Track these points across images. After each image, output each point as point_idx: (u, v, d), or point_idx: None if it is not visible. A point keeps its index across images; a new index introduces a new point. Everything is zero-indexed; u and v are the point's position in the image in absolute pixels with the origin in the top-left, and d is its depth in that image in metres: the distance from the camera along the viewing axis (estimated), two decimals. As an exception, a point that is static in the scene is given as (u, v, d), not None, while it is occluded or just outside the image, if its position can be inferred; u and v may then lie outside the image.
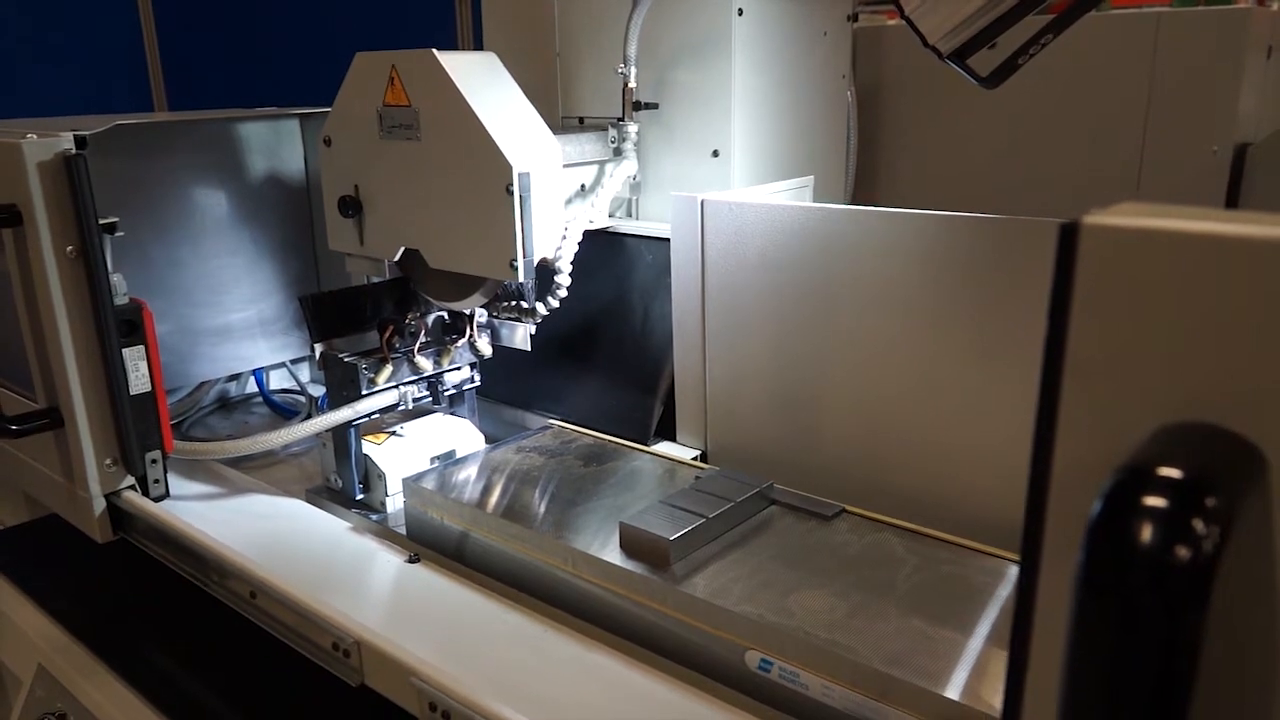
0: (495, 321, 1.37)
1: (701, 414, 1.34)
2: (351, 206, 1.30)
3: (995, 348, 1.06)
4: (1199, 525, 0.37)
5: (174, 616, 1.36)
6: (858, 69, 1.64)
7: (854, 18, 1.57)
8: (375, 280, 1.37)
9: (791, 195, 1.41)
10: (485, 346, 1.37)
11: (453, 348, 1.35)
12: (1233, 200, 1.49)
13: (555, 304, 1.27)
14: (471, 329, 1.35)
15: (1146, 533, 0.38)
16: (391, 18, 2.90)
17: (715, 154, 1.38)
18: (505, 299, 1.30)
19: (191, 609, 1.29)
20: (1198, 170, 1.48)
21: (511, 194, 1.14)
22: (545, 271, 1.24)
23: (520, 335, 1.35)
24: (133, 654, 1.28)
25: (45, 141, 1.16)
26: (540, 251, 1.20)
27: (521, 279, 1.18)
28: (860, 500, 1.10)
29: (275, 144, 1.66)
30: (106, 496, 1.28)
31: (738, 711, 0.90)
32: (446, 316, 1.37)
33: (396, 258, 1.29)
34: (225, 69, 3.29)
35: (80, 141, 1.17)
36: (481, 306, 1.32)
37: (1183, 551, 0.37)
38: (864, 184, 1.71)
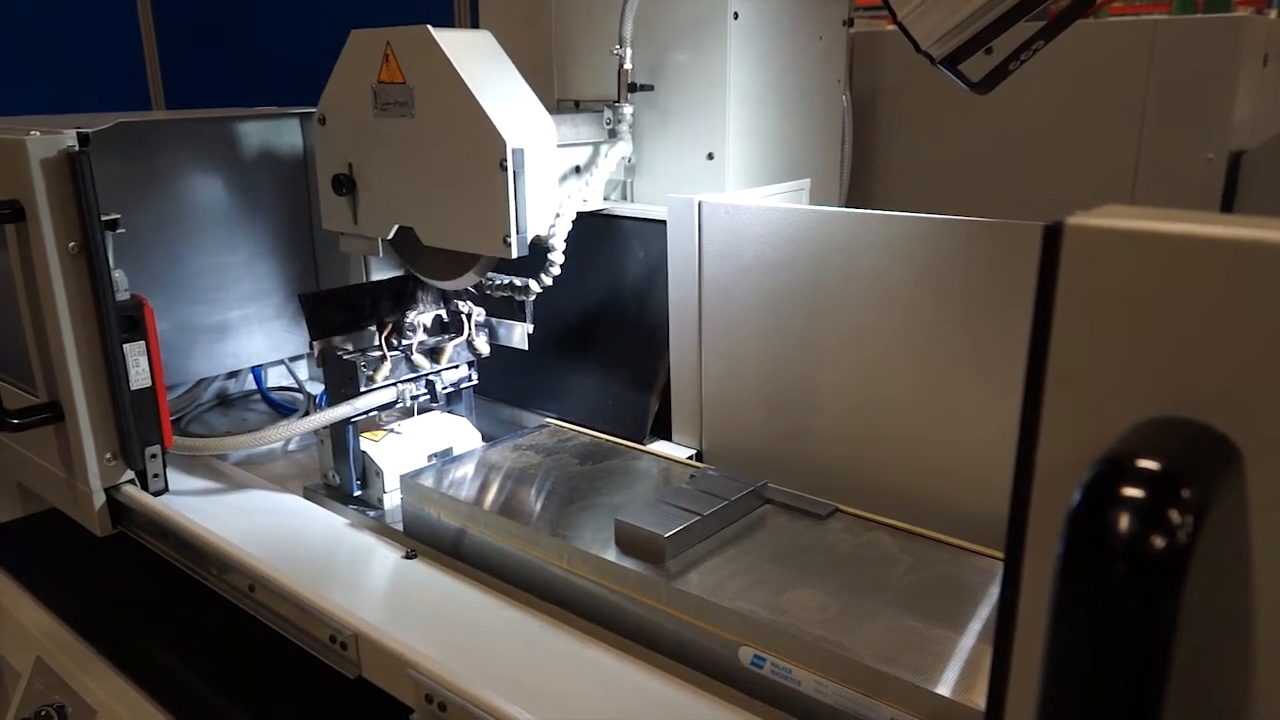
0: (493, 321, 1.38)
1: (697, 414, 1.35)
2: (345, 184, 1.30)
3: (988, 349, 1.07)
4: (1174, 515, 0.38)
5: (171, 610, 1.36)
6: (854, 74, 1.64)
7: (850, 23, 1.57)
8: (374, 276, 1.37)
9: (788, 198, 1.42)
10: (483, 345, 1.38)
11: (450, 346, 1.36)
12: (1228, 207, 1.50)
13: (549, 281, 1.27)
14: (469, 328, 1.36)
15: (1124, 521, 0.39)
16: (390, 12, 2.91)
17: (710, 156, 1.38)
18: (499, 277, 1.30)
19: (188, 603, 1.30)
20: (1193, 177, 1.49)
21: (505, 169, 1.14)
22: (539, 250, 1.24)
23: (518, 334, 1.36)
24: (130, 647, 1.29)
25: (49, 138, 1.17)
26: (534, 229, 1.20)
27: (515, 255, 1.17)
28: (854, 500, 1.11)
29: (275, 143, 1.67)
30: (106, 490, 1.28)
31: (731, 707, 0.90)
32: (445, 316, 1.38)
33: (390, 236, 1.29)
34: (225, 67, 3.28)
35: (83, 139, 1.18)
36: (474, 286, 1.32)
37: (1158, 540, 0.38)
38: (858, 188, 1.72)
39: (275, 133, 1.67)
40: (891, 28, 1.78)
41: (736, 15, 1.33)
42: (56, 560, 1.51)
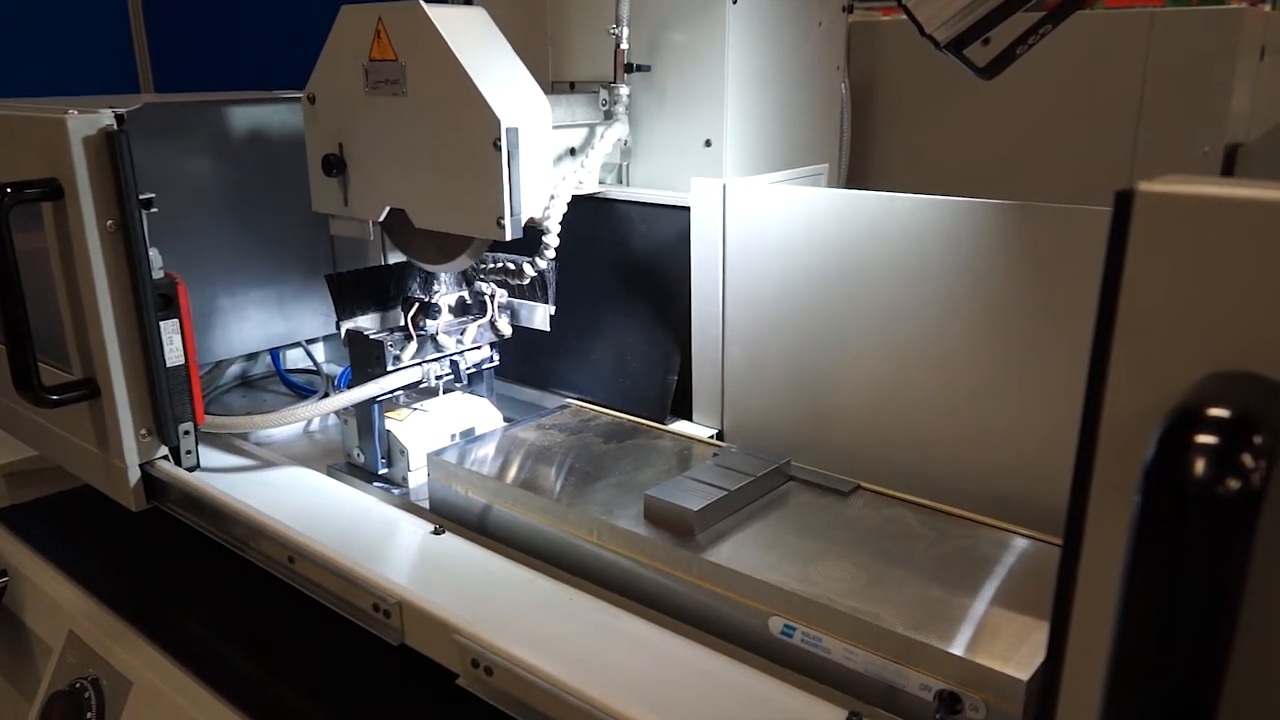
0: (515, 302, 1.40)
1: (718, 394, 1.36)
2: (335, 165, 1.28)
3: (1009, 331, 1.09)
4: (1248, 459, 0.41)
5: (198, 583, 1.39)
6: (852, 63, 1.64)
7: (849, 9, 1.56)
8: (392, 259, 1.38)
9: (807, 182, 1.43)
10: (505, 327, 1.40)
11: (474, 327, 1.38)
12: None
13: (543, 265, 1.26)
14: (492, 309, 1.38)
15: (1200, 466, 0.41)
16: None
17: (708, 144, 1.37)
18: (494, 259, 1.30)
19: (215, 574, 1.32)
20: (1189, 170, 1.48)
21: (499, 149, 1.12)
22: (533, 232, 1.22)
23: (540, 316, 1.38)
24: (162, 620, 1.31)
25: (88, 117, 1.17)
26: (528, 211, 1.18)
27: (509, 238, 1.16)
28: (875, 479, 1.13)
29: (294, 126, 1.67)
30: (141, 466, 1.30)
31: (760, 674, 0.93)
32: (468, 297, 1.40)
33: (381, 218, 1.28)
34: (214, 49, 3.25)
35: (120, 118, 1.19)
36: (467, 270, 1.33)
37: (1233, 482, 0.41)
38: (855, 177, 1.71)
39: (293, 116, 1.67)
40: (889, 18, 1.80)
41: (735, 0, 1.32)
42: (81, 537, 1.53)
